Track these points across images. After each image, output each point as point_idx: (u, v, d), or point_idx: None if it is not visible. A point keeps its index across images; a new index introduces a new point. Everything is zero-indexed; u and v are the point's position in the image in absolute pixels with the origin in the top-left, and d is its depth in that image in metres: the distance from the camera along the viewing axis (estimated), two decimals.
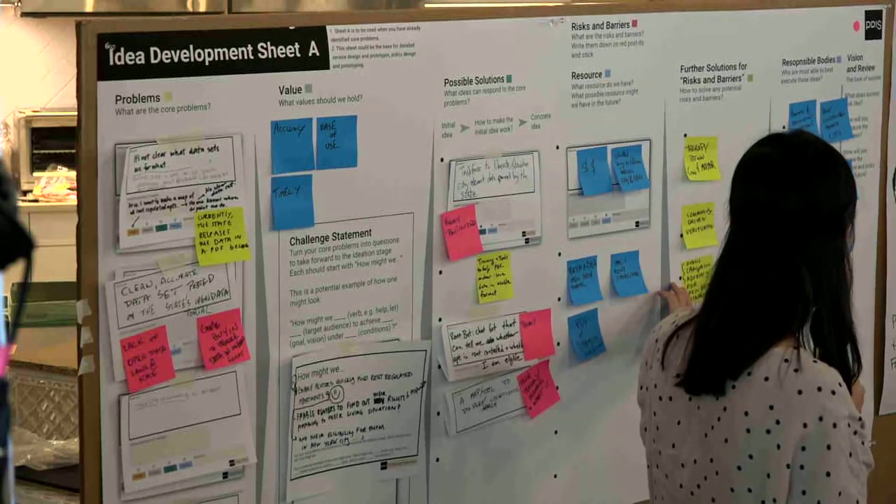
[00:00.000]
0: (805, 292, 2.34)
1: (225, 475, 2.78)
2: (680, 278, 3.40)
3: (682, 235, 3.40)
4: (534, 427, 3.21)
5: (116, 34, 2.58)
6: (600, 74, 3.22)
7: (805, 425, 2.28)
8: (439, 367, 3.02)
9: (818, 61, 3.60)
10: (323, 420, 2.88)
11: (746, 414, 2.34)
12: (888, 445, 3.80)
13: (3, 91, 6.57)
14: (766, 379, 2.32)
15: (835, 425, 2.28)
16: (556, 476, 3.27)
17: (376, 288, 2.94)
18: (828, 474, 2.27)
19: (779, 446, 2.30)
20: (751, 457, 2.33)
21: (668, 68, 3.34)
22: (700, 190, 3.41)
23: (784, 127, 3.52)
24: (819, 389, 2.29)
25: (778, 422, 2.30)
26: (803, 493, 2.29)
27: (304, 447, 2.86)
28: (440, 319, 3.03)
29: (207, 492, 2.77)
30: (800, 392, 2.29)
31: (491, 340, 3.09)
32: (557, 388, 3.23)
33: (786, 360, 2.33)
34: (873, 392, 3.82)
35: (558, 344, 3.21)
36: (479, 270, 3.07)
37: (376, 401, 2.95)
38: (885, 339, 3.86)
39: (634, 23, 3.25)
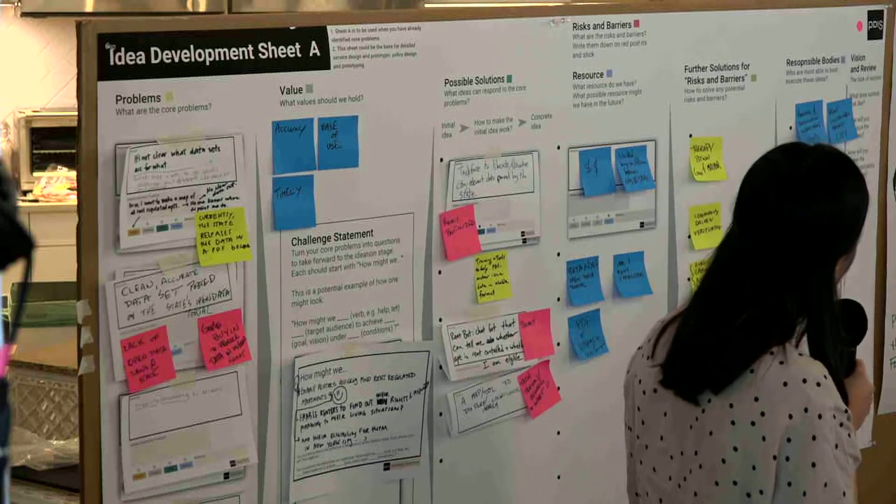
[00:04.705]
0: (789, 315, 2.33)
1: (226, 476, 2.78)
2: (689, 279, 3.40)
3: (689, 236, 3.40)
4: (536, 427, 3.20)
5: (117, 34, 2.58)
6: (601, 74, 3.21)
7: (790, 416, 2.27)
8: (440, 367, 3.02)
9: (822, 61, 3.60)
10: (326, 421, 2.88)
11: (731, 406, 2.33)
12: (888, 445, 3.80)
13: (3, 91, 6.56)
14: (752, 371, 2.32)
15: (820, 416, 2.27)
16: (559, 477, 3.27)
17: (378, 288, 2.93)
18: (813, 465, 2.27)
19: (764, 438, 2.29)
20: (735, 449, 2.32)
21: (671, 68, 3.33)
22: (707, 190, 3.40)
23: (791, 128, 3.52)
24: (804, 381, 2.28)
25: (763, 413, 2.29)
26: (789, 484, 2.28)
27: (307, 448, 2.86)
28: (440, 319, 3.03)
29: (208, 492, 2.76)
30: (785, 384, 2.29)
31: (491, 340, 3.09)
32: (559, 388, 3.22)
33: (771, 353, 2.32)
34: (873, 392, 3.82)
35: (558, 344, 3.21)
36: (477, 270, 3.07)
37: (379, 402, 2.94)
38: (885, 339, 3.86)
39: (636, 23, 3.25)
